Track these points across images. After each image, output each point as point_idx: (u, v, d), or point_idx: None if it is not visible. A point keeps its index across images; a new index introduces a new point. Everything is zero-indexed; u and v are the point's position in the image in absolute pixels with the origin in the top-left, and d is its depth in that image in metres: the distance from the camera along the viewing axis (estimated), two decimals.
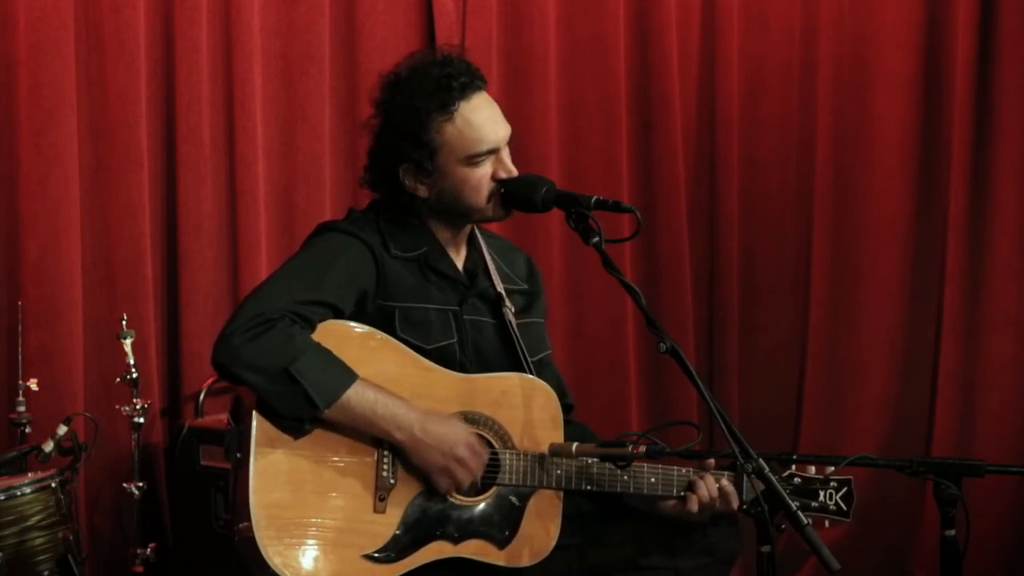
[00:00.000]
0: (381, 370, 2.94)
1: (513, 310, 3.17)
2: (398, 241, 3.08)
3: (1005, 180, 4.96)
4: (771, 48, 5.17)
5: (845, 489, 3.11)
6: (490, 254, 3.22)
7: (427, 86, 3.02)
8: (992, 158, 4.97)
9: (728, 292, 5.16)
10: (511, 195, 3.07)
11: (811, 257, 5.14)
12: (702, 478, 3.05)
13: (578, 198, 2.98)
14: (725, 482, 3.06)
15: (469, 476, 2.95)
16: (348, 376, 2.88)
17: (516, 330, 3.14)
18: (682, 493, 3.06)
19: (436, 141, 3.02)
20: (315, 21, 4.65)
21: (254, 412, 2.86)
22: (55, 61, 4.25)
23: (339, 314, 2.96)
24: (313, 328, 2.91)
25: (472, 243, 3.21)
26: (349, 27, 4.75)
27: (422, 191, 3.08)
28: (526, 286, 3.27)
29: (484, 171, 3.05)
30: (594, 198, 2.97)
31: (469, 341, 3.10)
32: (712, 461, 3.10)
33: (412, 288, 3.05)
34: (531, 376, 3.10)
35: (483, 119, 3.04)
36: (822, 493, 3.11)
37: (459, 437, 2.94)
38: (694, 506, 3.05)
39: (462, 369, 3.05)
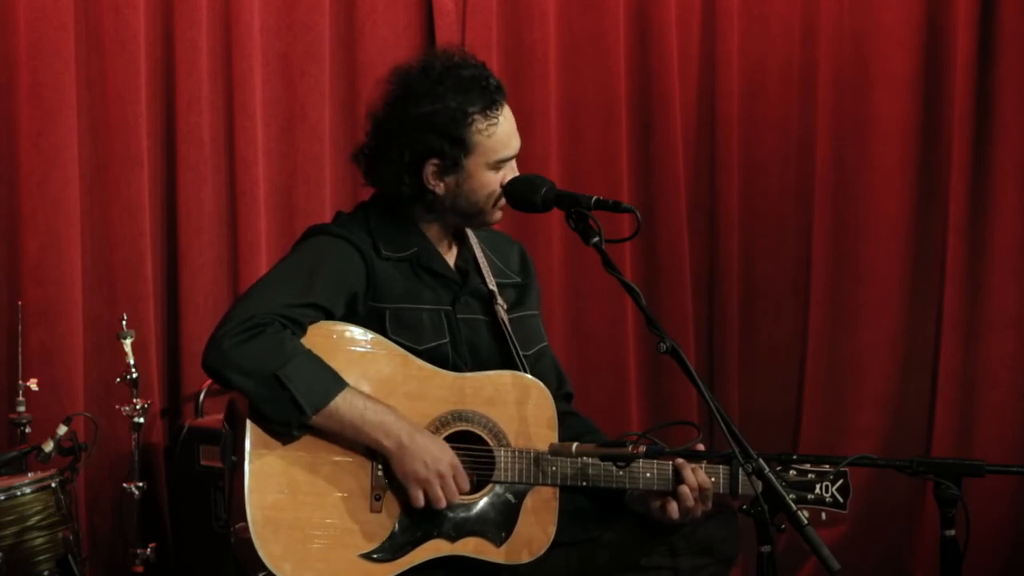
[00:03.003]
0: (373, 371, 2.94)
1: (505, 306, 3.17)
2: (388, 241, 3.08)
3: (1005, 180, 4.95)
4: (771, 48, 5.16)
5: (841, 481, 3.10)
6: (481, 250, 3.21)
7: (469, 87, 3.02)
8: (992, 158, 4.96)
9: (728, 292, 5.15)
10: (511, 195, 3.08)
11: (811, 257, 5.13)
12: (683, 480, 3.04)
13: (578, 198, 2.99)
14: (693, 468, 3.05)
15: (443, 499, 2.92)
16: (337, 383, 2.88)
17: (509, 327, 3.14)
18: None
19: (472, 142, 3.02)
20: (315, 21, 4.65)
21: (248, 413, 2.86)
22: (55, 61, 4.25)
23: (330, 316, 2.96)
24: (304, 331, 2.91)
25: (463, 241, 3.21)
26: (349, 27, 4.75)
27: (440, 188, 3.07)
28: (519, 279, 3.26)
29: (501, 175, 3.07)
30: (594, 198, 2.97)
31: (463, 340, 3.09)
32: (703, 464, 3.09)
33: (403, 289, 3.05)
34: (525, 374, 3.09)
35: (512, 127, 3.09)
36: (818, 486, 3.10)
37: (446, 455, 2.94)
38: (679, 505, 3.03)
39: (455, 369, 3.04)
